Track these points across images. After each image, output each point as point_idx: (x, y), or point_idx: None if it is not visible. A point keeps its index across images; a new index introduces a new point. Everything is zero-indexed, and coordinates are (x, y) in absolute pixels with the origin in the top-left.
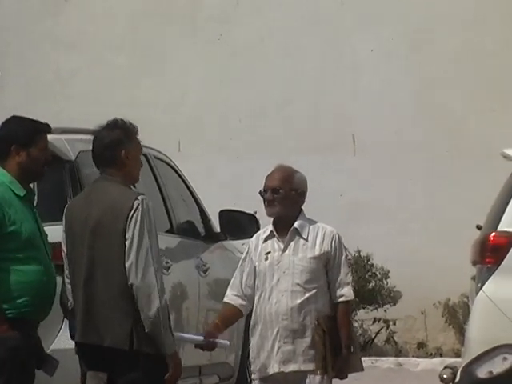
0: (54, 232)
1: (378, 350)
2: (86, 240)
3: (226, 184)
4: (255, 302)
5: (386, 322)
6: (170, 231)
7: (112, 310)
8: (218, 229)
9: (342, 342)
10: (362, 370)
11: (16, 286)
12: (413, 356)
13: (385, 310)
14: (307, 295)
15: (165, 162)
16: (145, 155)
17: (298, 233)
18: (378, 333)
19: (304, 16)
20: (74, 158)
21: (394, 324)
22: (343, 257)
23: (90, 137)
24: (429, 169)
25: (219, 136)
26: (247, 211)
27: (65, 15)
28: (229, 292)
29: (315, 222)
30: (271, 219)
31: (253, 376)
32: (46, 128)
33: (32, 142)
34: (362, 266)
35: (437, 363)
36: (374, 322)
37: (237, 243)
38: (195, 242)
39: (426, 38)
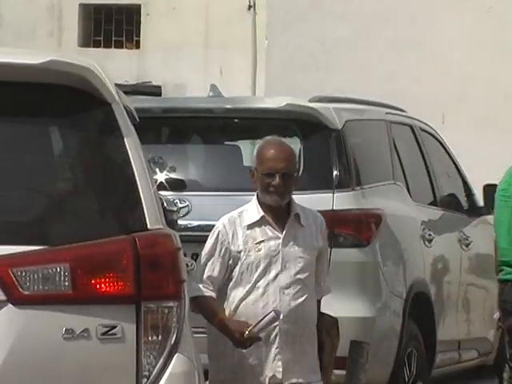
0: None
1: None
2: None
3: (490, 158)
4: (233, 297)
5: None
6: (433, 203)
7: None
8: (481, 203)
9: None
10: None
11: None
12: None
13: None
14: (308, 293)
15: (430, 133)
16: (410, 126)
17: (298, 219)
18: None
19: None
20: (340, 127)
21: None
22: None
23: (357, 106)
24: None
25: (484, 110)
26: None
27: None
28: (201, 286)
29: (302, 205)
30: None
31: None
32: None
33: None
34: None
35: None
36: None
37: None
38: (458, 215)
39: None
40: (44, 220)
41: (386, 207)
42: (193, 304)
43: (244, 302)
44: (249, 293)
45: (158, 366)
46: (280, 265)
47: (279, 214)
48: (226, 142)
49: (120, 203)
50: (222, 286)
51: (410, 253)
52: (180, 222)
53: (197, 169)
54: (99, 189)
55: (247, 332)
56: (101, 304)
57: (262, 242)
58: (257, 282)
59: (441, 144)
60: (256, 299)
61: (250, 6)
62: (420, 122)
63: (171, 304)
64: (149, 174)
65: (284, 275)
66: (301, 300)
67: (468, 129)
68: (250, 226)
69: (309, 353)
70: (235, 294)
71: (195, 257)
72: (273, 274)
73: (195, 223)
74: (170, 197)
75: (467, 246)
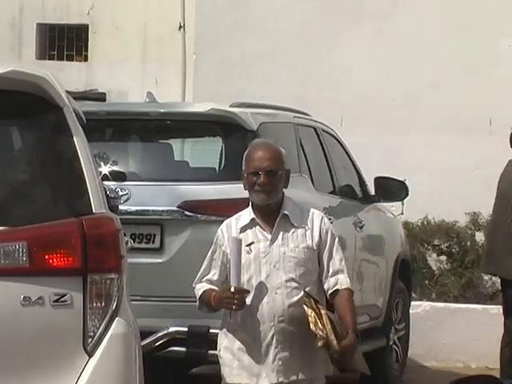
0: None
1: None
2: (510, 200)
3: (380, 155)
4: None
5: None
6: (333, 192)
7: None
8: (372, 192)
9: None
10: (367, 372)
11: None
12: None
13: None
14: (303, 291)
15: (331, 134)
16: (314, 128)
17: (288, 219)
18: None
19: (453, 15)
20: (255, 129)
21: None
22: (336, 241)
23: (270, 111)
24: None
25: (376, 114)
26: (398, 178)
27: (253, 7)
28: (202, 285)
29: (300, 205)
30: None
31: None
32: None
33: None
34: None
35: None
36: None
37: (387, 205)
38: (353, 202)
39: None
40: (6, 205)
41: (293, 195)
42: (199, 304)
43: None
44: None
45: (101, 328)
46: (270, 265)
47: (270, 214)
48: (160, 141)
49: (70, 191)
50: None
51: None
52: (121, 207)
53: (135, 163)
54: (52, 179)
55: (233, 288)
56: (53, 276)
57: (252, 243)
58: (250, 283)
59: (339, 143)
60: (250, 301)
61: (180, 27)
62: (322, 124)
63: (113, 276)
64: (94, 167)
65: (275, 275)
66: (295, 299)
67: (363, 130)
68: (243, 229)
69: (309, 349)
70: None
71: (133, 236)
72: (264, 274)
73: (133, 208)
74: (112, 186)
75: (361, 228)
